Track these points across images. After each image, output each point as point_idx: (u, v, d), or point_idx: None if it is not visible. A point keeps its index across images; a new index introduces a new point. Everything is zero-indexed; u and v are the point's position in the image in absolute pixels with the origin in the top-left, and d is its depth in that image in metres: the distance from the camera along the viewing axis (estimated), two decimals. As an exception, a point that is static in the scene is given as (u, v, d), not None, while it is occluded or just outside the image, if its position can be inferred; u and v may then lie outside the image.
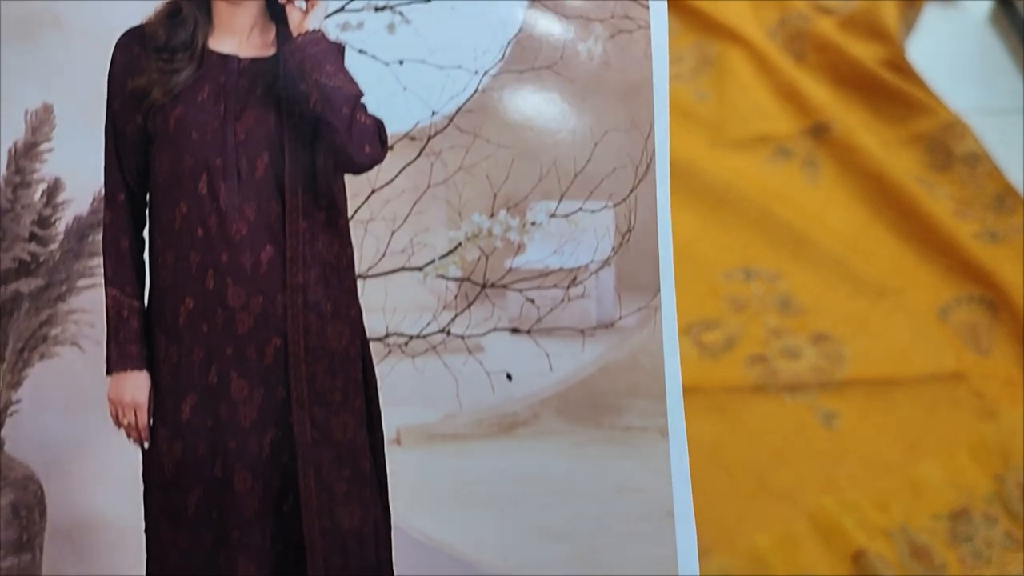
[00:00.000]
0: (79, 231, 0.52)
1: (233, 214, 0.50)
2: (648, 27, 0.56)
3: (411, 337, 0.53)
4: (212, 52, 0.51)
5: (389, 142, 0.52)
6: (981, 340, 0.91)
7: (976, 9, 1.29)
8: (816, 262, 0.97)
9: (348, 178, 0.52)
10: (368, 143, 0.51)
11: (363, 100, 0.51)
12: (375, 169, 0.52)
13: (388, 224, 0.53)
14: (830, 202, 1.03)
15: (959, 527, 0.80)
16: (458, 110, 0.53)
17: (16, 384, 0.51)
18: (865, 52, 1.15)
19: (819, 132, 1.08)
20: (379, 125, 0.52)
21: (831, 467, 0.83)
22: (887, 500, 0.80)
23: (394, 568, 0.52)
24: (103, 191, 0.51)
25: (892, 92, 1.11)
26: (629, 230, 0.54)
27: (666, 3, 0.57)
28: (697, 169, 1.03)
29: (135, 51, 0.51)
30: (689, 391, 0.87)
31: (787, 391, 0.87)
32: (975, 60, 1.25)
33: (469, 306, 0.54)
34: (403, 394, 0.52)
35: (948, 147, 1.06)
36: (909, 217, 1.00)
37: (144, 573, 0.51)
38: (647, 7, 0.56)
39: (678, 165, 1.04)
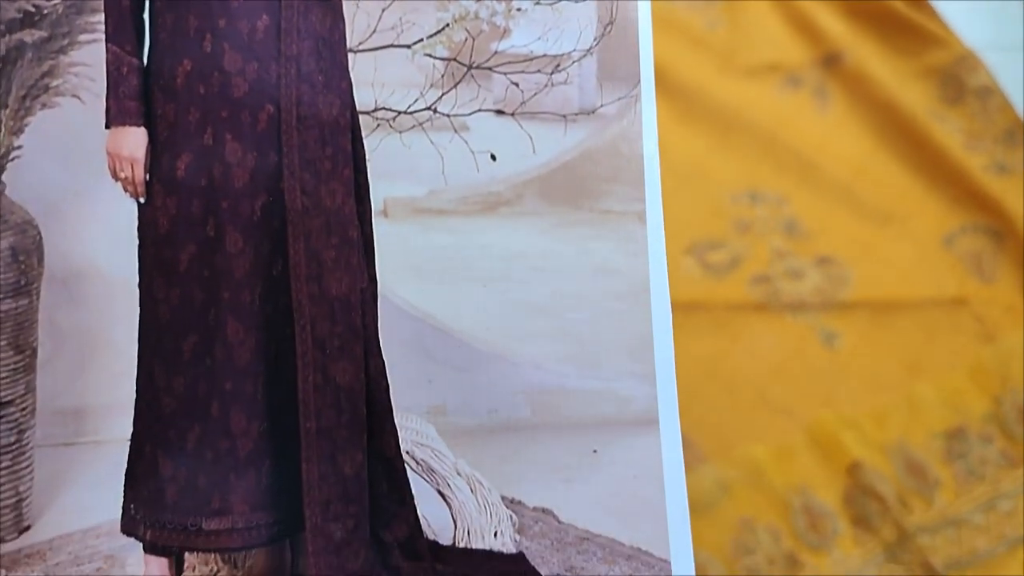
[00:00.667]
0: None
1: None
2: None
3: (399, 112, 0.55)
4: None
5: None
6: (984, 268, 0.91)
7: (993, -53, 1.27)
8: (822, 187, 0.96)
9: None
10: None
11: None
12: None
13: (379, 2, 0.54)
14: (839, 130, 1.03)
15: (955, 445, 0.80)
16: None
17: (18, 131, 0.52)
18: (880, -16, 1.14)
19: (831, 62, 1.07)
20: None
21: (830, 384, 0.83)
22: (884, 417, 0.81)
23: (379, 334, 0.54)
24: None
25: (906, 24, 1.10)
26: (611, 22, 0.57)
27: None
28: (706, 94, 1.03)
29: None
30: (692, 308, 0.88)
31: (789, 310, 0.87)
32: (990, -2, 1.24)
33: (455, 86, 0.56)
34: (390, 168, 0.54)
35: (961, 80, 1.06)
36: (918, 147, 0.99)
37: (137, 324, 0.52)
38: None
39: (687, 89, 1.04)
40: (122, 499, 0.53)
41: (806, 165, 0.98)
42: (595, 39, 0.55)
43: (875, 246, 0.92)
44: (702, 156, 0.99)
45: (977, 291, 0.89)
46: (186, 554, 0.53)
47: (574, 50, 0.54)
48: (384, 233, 0.54)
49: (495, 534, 0.54)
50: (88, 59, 0.53)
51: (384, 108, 0.54)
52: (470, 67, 0.54)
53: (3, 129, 0.52)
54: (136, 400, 0.52)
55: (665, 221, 0.93)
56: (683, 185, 0.96)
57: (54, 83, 0.52)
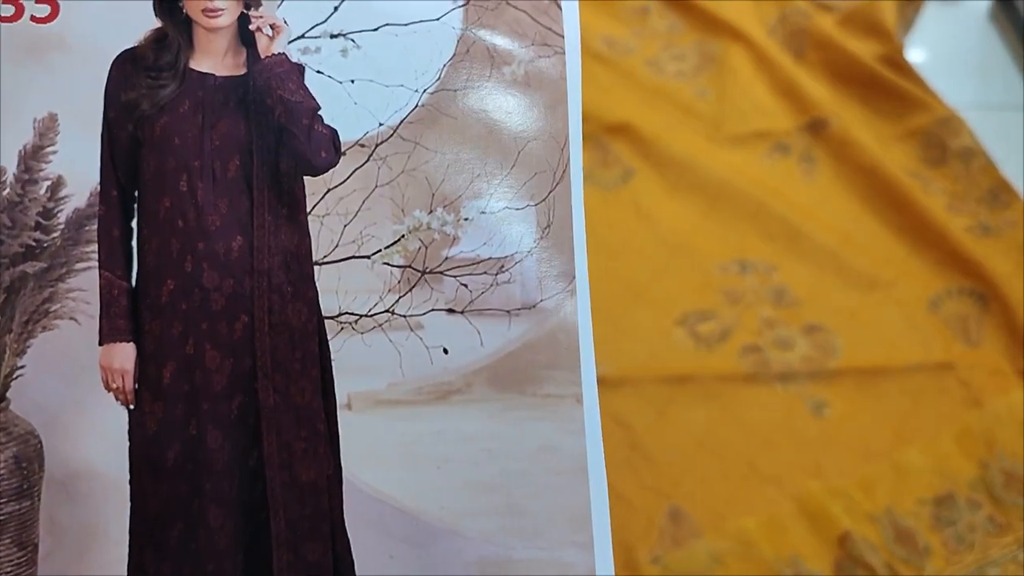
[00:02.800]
0: (78, 221, 0.59)
1: (209, 208, 0.58)
2: (563, 53, 0.67)
3: (360, 316, 0.61)
4: (192, 71, 0.60)
5: (342, 148, 0.61)
6: (971, 331, 0.92)
7: (975, 6, 1.30)
8: (810, 255, 0.98)
9: (307, 179, 0.61)
10: (324, 149, 0.59)
11: (320, 113, 0.60)
12: (330, 171, 0.61)
13: (341, 219, 0.61)
14: (825, 196, 1.05)
15: (943, 512, 0.81)
16: (401, 122, 0.62)
17: (21, 352, 0.59)
18: (863, 49, 1.17)
19: (816, 128, 1.10)
20: (334, 134, 0.60)
21: (819, 453, 0.85)
22: (873, 485, 0.82)
23: (344, 516, 0.60)
24: (99, 187, 0.60)
25: (889, 88, 1.13)
26: (548, 225, 0.63)
27: (579, 35, 0.67)
28: (696, 164, 1.06)
29: (128, 69, 0.60)
30: (684, 380, 0.90)
31: (779, 380, 0.88)
32: (974, 56, 1.26)
33: (411, 289, 0.62)
34: (353, 365, 0.60)
35: (943, 142, 1.08)
36: (902, 211, 1.01)
37: (129, 517, 0.58)
38: (563, 37, 0.67)
39: (678, 160, 1.06)
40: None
41: (794, 232, 1.00)
42: (535, 241, 0.61)
43: (862, 312, 0.94)
44: (692, 226, 1.01)
45: (963, 355, 0.91)
46: None
47: (516, 252, 0.61)
48: (348, 424, 0.60)
49: None
50: (84, 285, 0.59)
51: (347, 312, 0.60)
52: (424, 272, 0.62)
53: (8, 352, 0.57)
54: (128, 586, 0.59)
55: (657, 293, 0.95)
56: (673, 256, 0.99)
57: (53, 307, 0.58)
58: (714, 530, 0.81)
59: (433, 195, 0.62)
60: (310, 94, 0.60)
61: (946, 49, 1.26)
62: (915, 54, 1.23)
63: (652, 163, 1.06)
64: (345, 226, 0.60)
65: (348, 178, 0.61)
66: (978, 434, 0.85)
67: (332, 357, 0.60)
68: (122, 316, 0.58)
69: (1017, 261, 0.99)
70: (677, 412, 0.87)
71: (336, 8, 0.62)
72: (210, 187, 0.58)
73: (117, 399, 0.59)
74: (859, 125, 1.09)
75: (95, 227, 0.59)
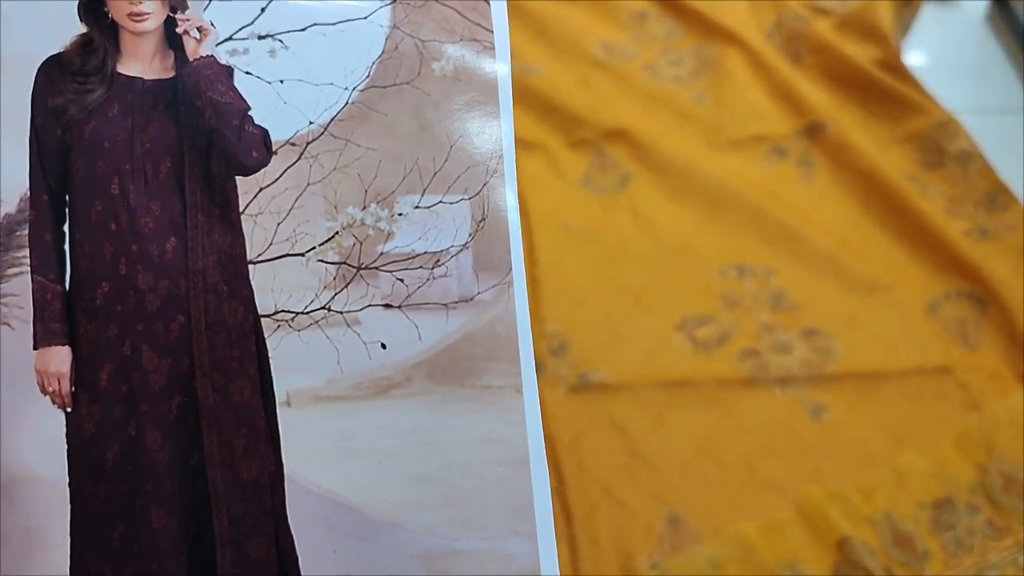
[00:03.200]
0: (8, 227, 0.60)
1: (141, 211, 0.59)
2: (493, 48, 0.68)
3: (296, 313, 0.61)
4: (120, 75, 0.60)
5: (273, 148, 0.62)
6: (969, 335, 0.92)
7: (973, 9, 1.30)
8: (808, 259, 0.98)
9: (239, 178, 0.61)
10: (255, 149, 0.60)
11: (250, 113, 0.61)
12: (262, 171, 0.61)
13: (274, 217, 0.62)
14: (823, 200, 1.05)
15: (942, 516, 0.81)
16: (332, 120, 0.63)
17: None
18: (860, 53, 1.17)
19: (814, 132, 1.10)
20: (265, 134, 0.61)
21: (818, 458, 0.84)
22: (872, 489, 0.82)
23: (287, 512, 0.60)
24: (29, 193, 0.60)
25: (886, 92, 1.13)
26: (483, 218, 0.63)
27: (507, 30, 0.69)
28: (695, 170, 1.06)
29: (54, 75, 0.60)
30: (683, 385, 0.90)
31: (777, 384, 0.88)
32: (972, 59, 1.26)
33: (346, 286, 0.62)
34: (291, 362, 0.61)
35: (940, 146, 1.07)
36: (900, 214, 1.01)
37: (69, 521, 0.59)
38: (492, 32, 0.68)
39: (676, 165, 1.06)
40: None
41: (792, 236, 1.00)
42: (470, 235, 0.62)
43: (860, 316, 0.94)
44: (691, 231, 1.01)
45: (961, 358, 0.90)
46: None
47: (451, 246, 0.62)
48: (288, 421, 0.60)
49: None
50: (16, 290, 0.59)
51: (283, 311, 0.60)
52: (359, 268, 0.62)
53: (-57, 357, 0.57)
54: (70, 589, 0.59)
55: (655, 298, 0.95)
56: (672, 261, 0.99)
57: (-13, 313, 0.58)
58: (713, 535, 0.81)
59: (366, 191, 0.62)
60: (240, 95, 0.60)
61: (944, 52, 1.26)
62: (912, 57, 1.23)
63: (650, 168, 1.06)
64: (279, 224, 0.61)
65: (280, 177, 0.62)
66: (977, 438, 0.85)
67: (270, 355, 0.61)
68: (57, 320, 0.59)
69: (1015, 264, 0.98)
70: (676, 417, 0.87)
71: (263, 9, 0.63)
72: (142, 190, 0.59)
73: (54, 403, 0.59)
74: (857, 129, 1.09)
75: (26, 232, 0.60)
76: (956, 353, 0.91)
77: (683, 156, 1.07)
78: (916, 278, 0.97)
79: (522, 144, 1.10)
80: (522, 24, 1.24)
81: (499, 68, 0.68)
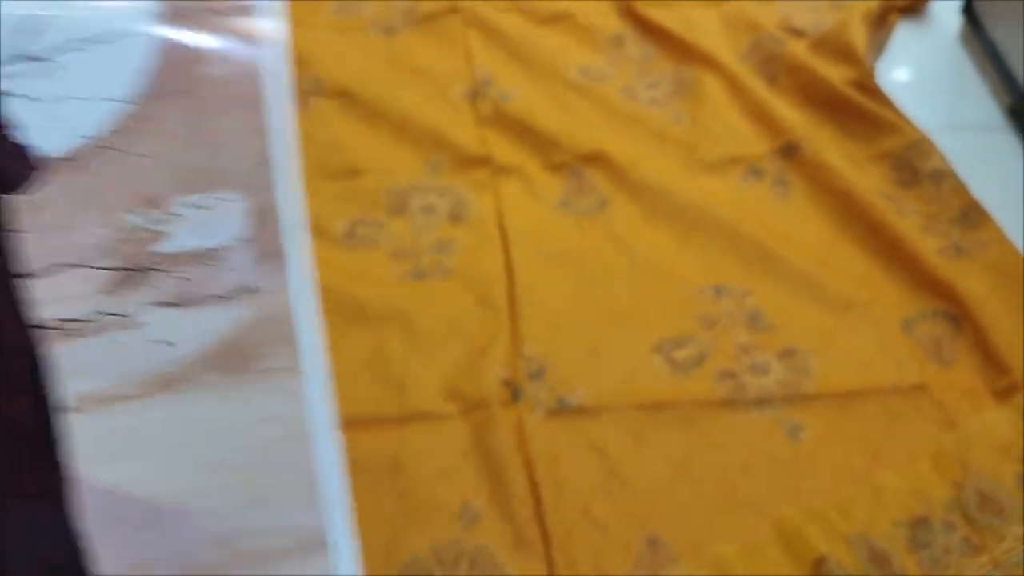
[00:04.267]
0: None
1: None
2: (264, 48, 0.70)
3: (79, 321, 0.63)
4: None
5: (48, 163, 0.63)
6: (944, 352, 0.92)
7: (946, 27, 1.31)
8: (785, 278, 0.99)
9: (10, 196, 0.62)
10: (23, 167, 0.61)
11: (20, 131, 0.61)
12: (35, 186, 0.62)
13: (51, 231, 0.63)
14: (800, 219, 1.05)
15: (919, 534, 0.81)
16: (104, 132, 0.65)
17: None
18: (835, 74, 1.17)
19: (789, 152, 1.10)
20: (27, 150, 0.62)
21: (796, 478, 0.85)
22: (849, 508, 0.82)
23: (84, 514, 0.61)
24: None
25: (860, 112, 1.13)
26: (258, 212, 0.67)
27: (284, 31, 0.72)
28: (671, 191, 1.06)
29: None
30: (661, 406, 0.90)
31: (755, 405, 0.89)
32: (945, 77, 1.27)
33: (128, 289, 0.64)
34: (77, 368, 0.62)
35: (914, 165, 1.08)
36: (876, 233, 1.02)
37: None
38: (262, 35, 0.71)
39: (653, 187, 1.07)
40: None
41: (769, 256, 1.00)
42: (246, 229, 0.65)
43: (837, 335, 0.94)
44: (668, 253, 1.02)
45: (936, 375, 0.91)
46: None
47: (229, 241, 0.65)
48: (78, 425, 0.61)
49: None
50: None
51: (68, 319, 0.62)
52: (139, 271, 0.64)
53: None
54: None
55: (633, 320, 0.95)
56: (650, 283, 0.99)
57: None
58: (691, 556, 0.81)
59: (143, 196, 0.64)
60: (7, 116, 0.61)
61: (918, 70, 1.27)
62: (887, 75, 1.24)
63: (627, 190, 1.07)
64: (57, 237, 0.62)
65: (54, 190, 0.63)
66: (953, 455, 0.85)
67: (53, 364, 0.62)
68: None
69: (990, 281, 0.99)
70: (654, 439, 0.87)
71: (32, 31, 0.64)
72: None
73: None
74: (832, 148, 1.10)
75: None
76: (931, 370, 0.91)
77: (660, 178, 1.07)
78: (892, 296, 0.97)
79: (499, 167, 1.10)
80: (498, 47, 1.25)
81: (271, 68, 0.71)
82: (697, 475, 0.85)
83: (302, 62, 1.24)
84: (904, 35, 1.32)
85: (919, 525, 0.82)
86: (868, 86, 1.16)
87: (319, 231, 1.03)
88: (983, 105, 1.22)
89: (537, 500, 0.83)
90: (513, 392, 0.89)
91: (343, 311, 0.95)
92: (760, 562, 0.80)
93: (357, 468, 0.78)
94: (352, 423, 0.86)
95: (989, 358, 0.91)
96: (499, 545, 0.80)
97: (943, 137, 1.11)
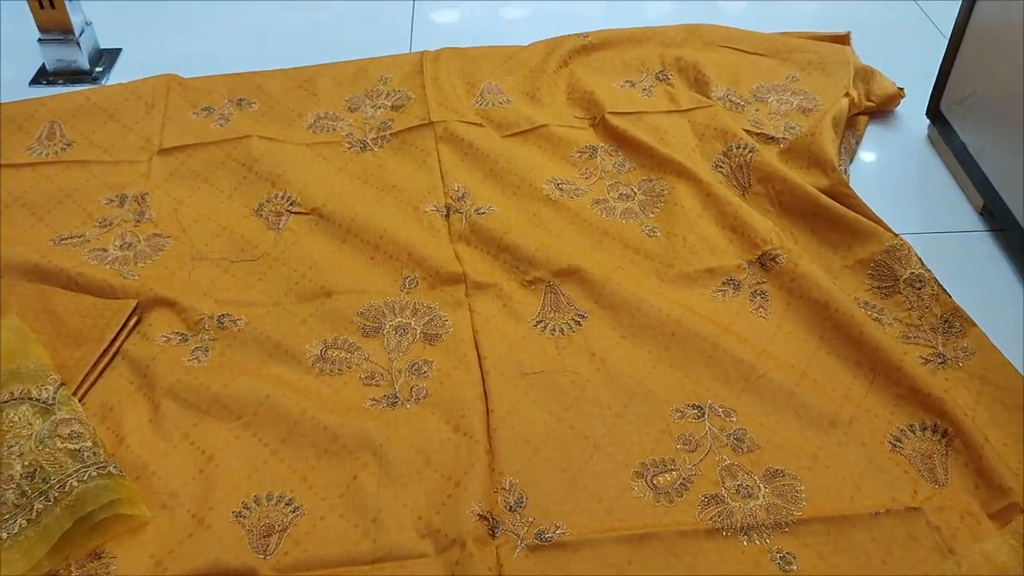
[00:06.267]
0: None
1: None
2: None
3: None
4: None
5: None
6: (936, 470, 0.87)
7: (914, 129, 1.30)
8: (767, 395, 0.94)
9: None
10: None
11: None
12: None
13: None
14: (779, 332, 1.01)
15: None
16: None
17: None
18: (808, 179, 1.14)
19: (766, 262, 1.07)
20: None
21: (789, 613, 0.78)
22: (848, 648, 0.76)
23: None
24: None
25: (835, 219, 1.10)
26: None
27: None
28: (647, 306, 1.02)
29: None
30: (644, 538, 0.84)
31: (743, 533, 0.83)
32: (915, 179, 1.25)
33: None
34: None
35: (893, 270, 1.04)
36: (858, 345, 0.97)
37: None
38: None
39: (629, 303, 1.02)
40: None
41: (749, 372, 0.96)
42: None
43: (823, 455, 0.89)
44: (646, 370, 0.97)
45: (930, 497, 0.85)
46: None
47: None
48: None
49: None
50: None
51: None
52: None
53: None
54: None
55: (614, 444, 0.90)
56: (629, 403, 0.94)
57: None
58: None
59: None
60: None
61: (887, 174, 1.24)
62: (857, 180, 1.21)
63: (603, 306, 1.03)
64: None
65: None
66: (954, 587, 0.79)
67: None
68: None
69: (975, 391, 0.94)
70: (643, 572, 0.81)
71: None
72: None
73: None
74: (809, 257, 1.06)
75: None
76: (925, 491, 0.86)
77: (636, 292, 1.03)
78: (877, 410, 0.92)
79: (475, 284, 1.06)
80: (472, 163, 1.22)
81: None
82: (686, 611, 0.79)
83: (275, 179, 1.22)
84: (872, 139, 1.30)
85: (922, 664, 0.75)
86: (842, 191, 1.13)
87: (291, 356, 0.99)
88: (955, 207, 1.19)
89: (517, 646, 0.76)
90: (490, 527, 0.83)
91: (315, 441, 0.90)
92: None
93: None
94: (324, 565, 0.81)
95: (983, 475, 0.85)
96: None
97: (917, 240, 1.08)
